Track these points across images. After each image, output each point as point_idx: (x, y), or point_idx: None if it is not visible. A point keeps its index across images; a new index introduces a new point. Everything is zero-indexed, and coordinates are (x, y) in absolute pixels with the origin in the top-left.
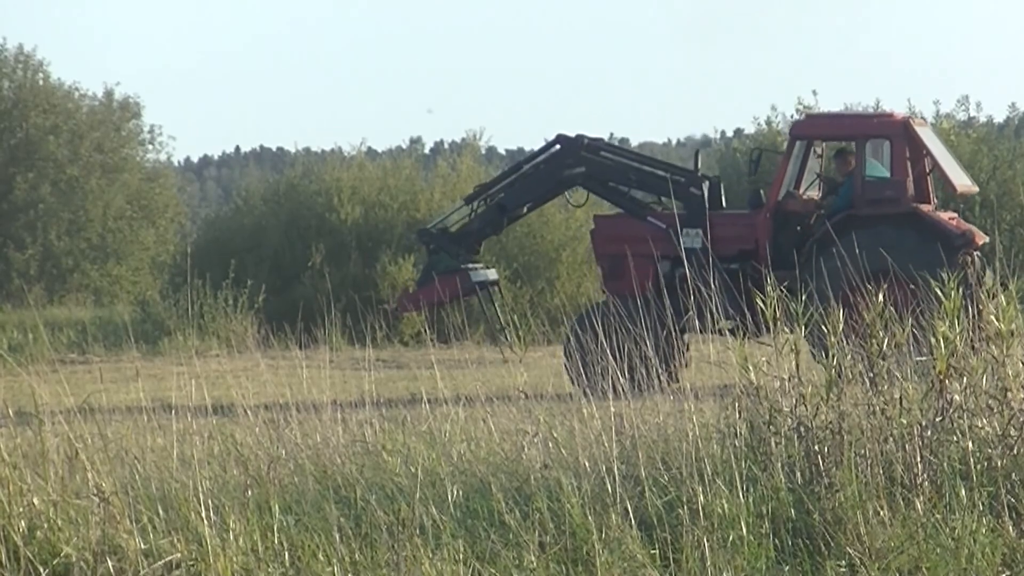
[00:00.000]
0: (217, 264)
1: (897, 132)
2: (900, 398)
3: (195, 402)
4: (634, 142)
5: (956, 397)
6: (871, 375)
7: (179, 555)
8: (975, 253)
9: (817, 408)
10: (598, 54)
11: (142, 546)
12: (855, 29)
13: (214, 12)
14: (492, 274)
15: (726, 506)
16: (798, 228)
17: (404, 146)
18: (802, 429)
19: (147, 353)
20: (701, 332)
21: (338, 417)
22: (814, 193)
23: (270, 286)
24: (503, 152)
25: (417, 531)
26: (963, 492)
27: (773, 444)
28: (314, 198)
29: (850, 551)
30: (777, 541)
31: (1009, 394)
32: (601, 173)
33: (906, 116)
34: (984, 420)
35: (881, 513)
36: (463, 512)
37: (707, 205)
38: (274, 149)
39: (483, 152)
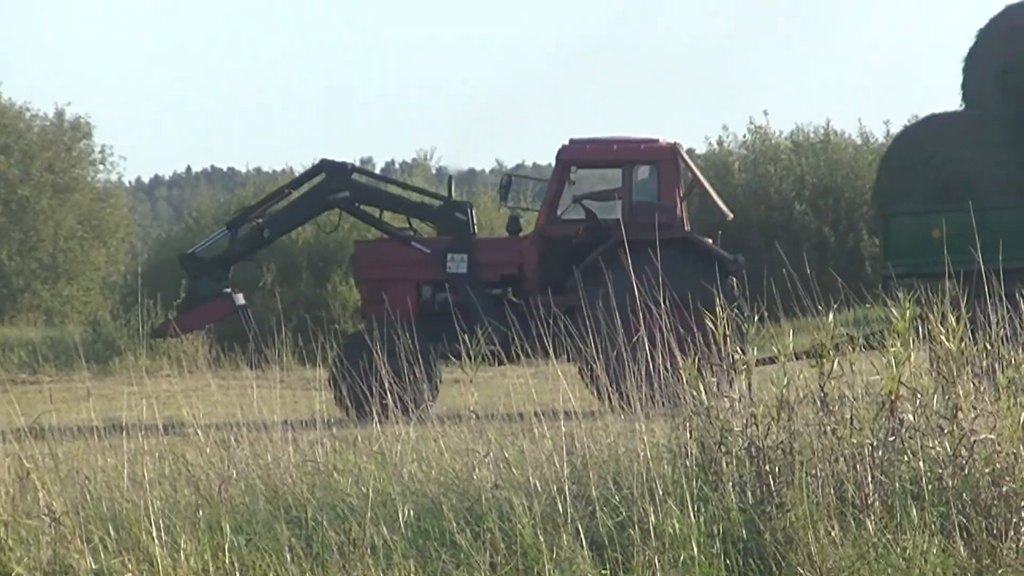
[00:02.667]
0: (168, 284)
1: (665, 157)
2: (851, 418)
3: (146, 422)
4: None
5: (907, 417)
6: (822, 395)
7: (130, 575)
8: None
9: (768, 428)
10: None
11: (93, 566)
12: (807, 48)
13: (164, 33)
14: (242, 299)
15: (677, 526)
16: (566, 252)
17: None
18: (753, 449)
19: (98, 373)
20: (459, 357)
21: (289, 437)
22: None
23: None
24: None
25: (368, 551)
26: (914, 512)
27: (724, 464)
28: None
29: (801, 571)
30: (728, 561)
31: (960, 415)
32: (366, 199)
33: (673, 142)
34: (935, 440)
35: (832, 533)
36: (414, 532)
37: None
38: (225, 169)
39: (434, 172)
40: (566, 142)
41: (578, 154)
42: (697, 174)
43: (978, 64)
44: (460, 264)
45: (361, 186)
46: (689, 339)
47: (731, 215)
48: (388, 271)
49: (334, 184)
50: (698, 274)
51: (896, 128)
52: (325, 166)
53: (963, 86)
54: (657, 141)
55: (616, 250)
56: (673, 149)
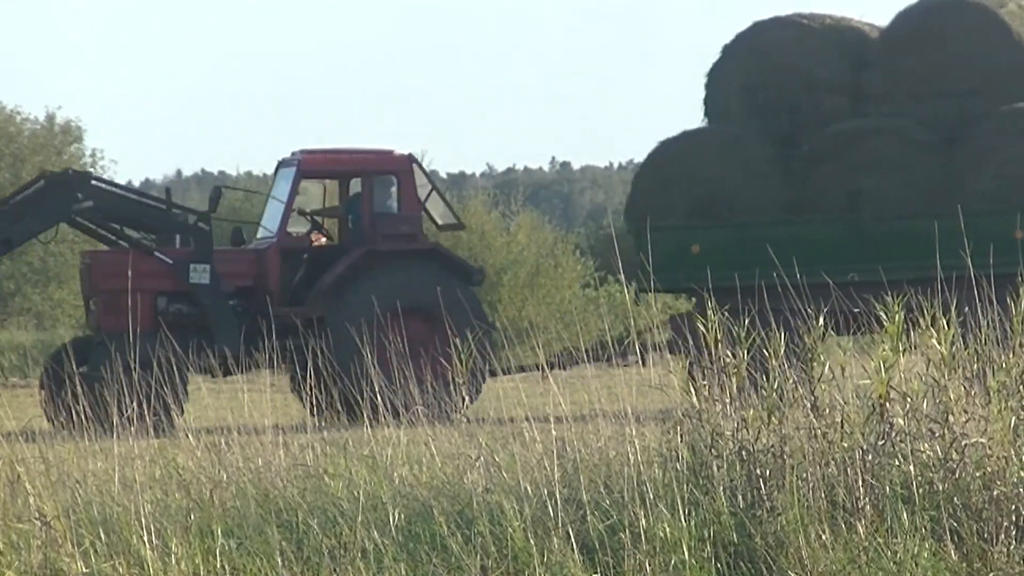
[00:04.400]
0: None
1: (404, 168)
2: (842, 422)
3: (136, 425)
4: (576, 164)
5: (898, 421)
6: (813, 399)
7: None
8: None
9: (759, 432)
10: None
11: (84, 570)
12: None
13: (155, 37)
14: None
15: (668, 530)
16: (306, 263)
17: None
18: (744, 453)
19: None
20: (201, 371)
21: (280, 441)
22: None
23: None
24: (445, 176)
25: (359, 555)
26: (905, 516)
27: (715, 468)
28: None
29: (792, 575)
30: (719, 565)
31: (951, 418)
32: (110, 208)
33: (408, 152)
34: (926, 444)
35: (823, 537)
36: (405, 536)
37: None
38: (215, 173)
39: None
40: (297, 152)
41: (317, 165)
42: (434, 184)
43: (723, 80)
44: (203, 275)
45: (107, 195)
46: (437, 349)
47: (465, 225)
48: (127, 282)
49: (79, 194)
50: (445, 285)
51: None
52: (64, 177)
53: (706, 102)
54: (392, 152)
55: (365, 261)
56: (410, 159)
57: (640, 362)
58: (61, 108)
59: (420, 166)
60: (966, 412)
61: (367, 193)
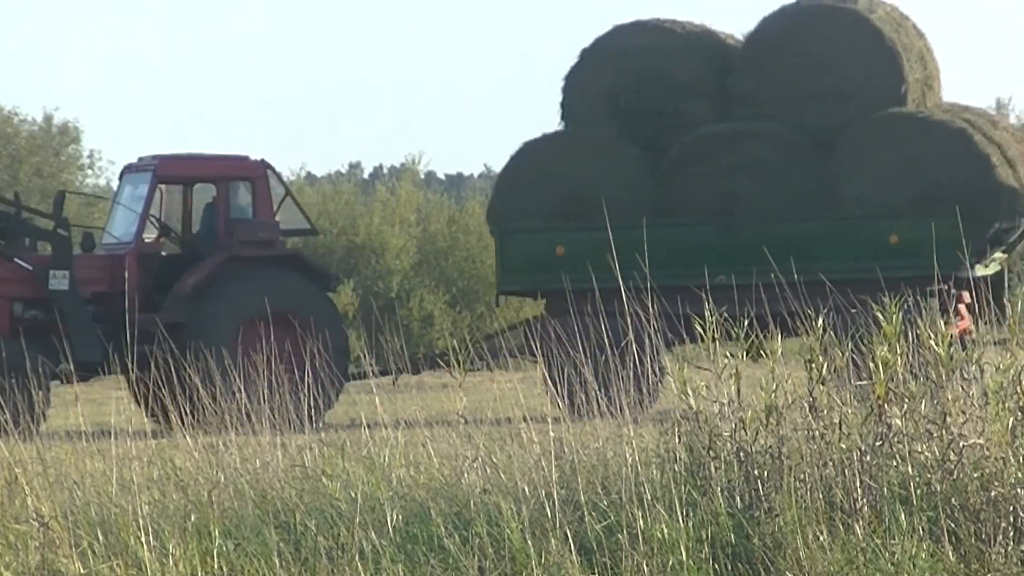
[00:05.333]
0: None
1: (259, 174)
2: (840, 423)
3: (134, 426)
4: None
5: (896, 422)
6: (811, 400)
7: None
8: None
9: (757, 433)
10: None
11: (82, 571)
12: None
13: (153, 38)
14: None
15: (666, 531)
16: (163, 269)
17: (343, 171)
18: (742, 454)
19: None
20: (66, 376)
21: (277, 442)
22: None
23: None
24: (442, 177)
25: (357, 556)
26: (903, 517)
27: (713, 469)
28: None
29: (789, 575)
30: (717, 566)
31: (948, 419)
32: None
33: (263, 159)
34: (923, 445)
35: (821, 538)
36: (403, 537)
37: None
38: None
39: (422, 177)
40: (147, 158)
41: (174, 170)
42: (288, 190)
43: (582, 84)
44: (62, 281)
45: None
46: (298, 355)
47: (319, 231)
48: None
49: None
50: (305, 291)
51: None
52: None
53: (564, 105)
54: (248, 158)
55: (227, 266)
56: (264, 165)
57: (488, 368)
58: (59, 109)
59: (275, 172)
60: (964, 413)
61: (223, 199)
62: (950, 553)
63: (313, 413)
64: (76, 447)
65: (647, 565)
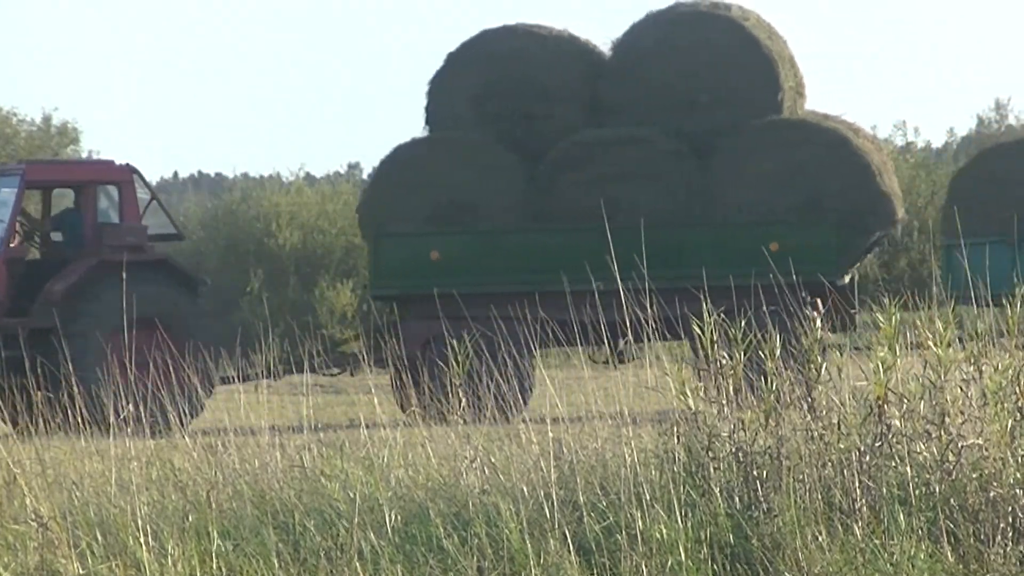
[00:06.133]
0: None
1: (126, 179)
2: (839, 423)
3: (133, 427)
4: None
5: (895, 422)
6: (810, 400)
7: None
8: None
9: (756, 433)
10: None
11: (80, 571)
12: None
13: (151, 38)
14: None
15: (664, 531)
16: (29, 274)
17: (342, 171)
18: (740, 454)
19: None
20: None
21: (276, 442)
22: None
23: (208, 311)
24: None
25: (355, 556)
26: (901, 517)
27: (711, 469)
28: (252, 223)
29: None
30: (715, 566)
31: (947, 419)
32: None
33: (128, 163)
34: (922, 445)
35: (820, 538)
36: (401, 537)
37: None
38: (212, 175)
39: None
40: (12, 164)
41: (41, 174)
42: (154, 194)
43: (448, 89)
44: None
45: None
46: (168, 359)
47: (184, 236)
48: None
49: None
50: (174, 296)
51: (884, 134)
52: None
53: (428, 110)
54: (113, 163)
55: (96, 271)
56: (130, 169)
57: (350, 372)
58: (58, 110)
59: (141, 176)
60: (962, 414)
61: (90, 204)
62: (949, 553)
63: (182, 418)
64: (75, 447)
65: (646, 566)
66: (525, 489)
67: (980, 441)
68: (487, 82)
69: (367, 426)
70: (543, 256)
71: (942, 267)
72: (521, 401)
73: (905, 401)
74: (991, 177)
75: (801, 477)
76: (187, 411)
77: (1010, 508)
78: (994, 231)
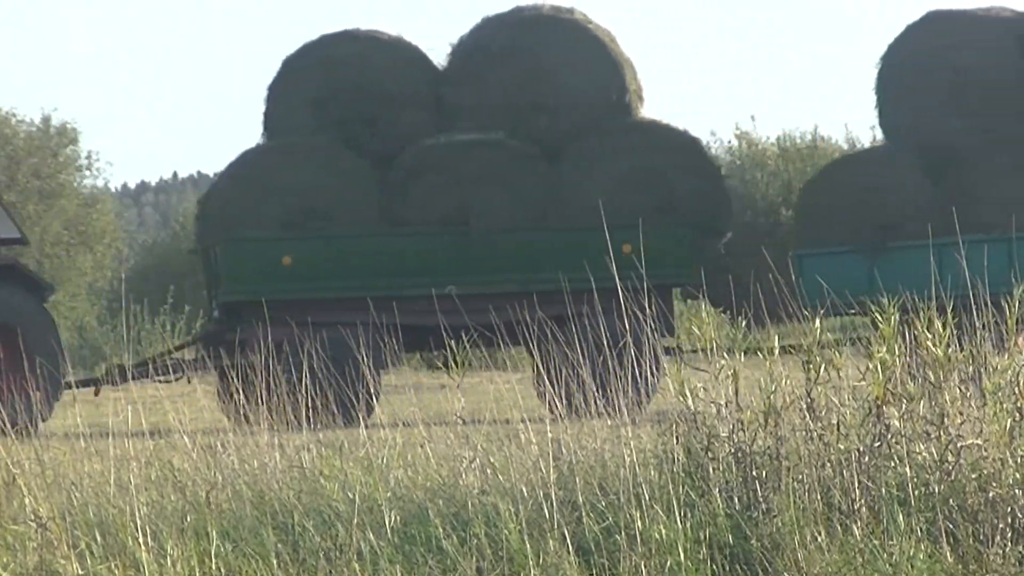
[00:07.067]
0: (155, 289)
1: None
2: (838, 423)
3: (132, 427)
4: None
5: (894, 423)
6: (809, 401)
7: None
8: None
9: (755, 434)
10: None
11: (79, 571)
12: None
13: (150, 39)
14: None
15: (664, 532)
16: None
17: None
18: (740, 455)
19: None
20: None
21: (275, 443)
22: None
23: (208, 312)
24: None
25: (355, 557)
26: (901, 518)
27: (711, 470)
28: None
29: None
30: (715, 567)
31: (946, 420)
32: None
33: None
34: (922, 446)
35: (819, 538)
36: (401, 538)
37: None
38: (211, 175)
39: None
40: None
41: None
42: None
43: (287, 94)
44: None
45: None
46: (17, 365)
47: (28, 240)
48: None
49: None
50: (22, 301)
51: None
52: None
53: (267, 115)
54: None
55: None
56: None
57: (188, 379)
58: (57, 110)
59: None
60: (962, 414)
61: None
62: (948, 554)
63: (29, 422)
64: (74, 448)
65: (645, 566)
66: (524, 489)
67: (979, 441)
68: (328, 87)
69: (366, 426)
70: (395, 261)
71: (794, 276)
72: (366, 408)
73: (904, 402)
74: (839, 188)
75: (800, 477)
76: (29, 418)
77: (1009, 508)
78: (841, 241)
